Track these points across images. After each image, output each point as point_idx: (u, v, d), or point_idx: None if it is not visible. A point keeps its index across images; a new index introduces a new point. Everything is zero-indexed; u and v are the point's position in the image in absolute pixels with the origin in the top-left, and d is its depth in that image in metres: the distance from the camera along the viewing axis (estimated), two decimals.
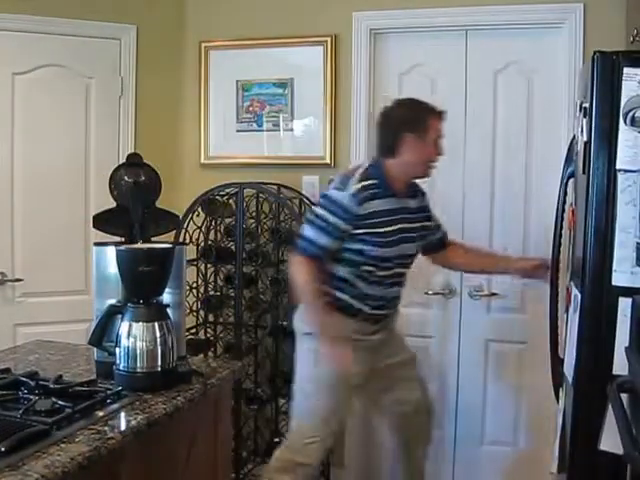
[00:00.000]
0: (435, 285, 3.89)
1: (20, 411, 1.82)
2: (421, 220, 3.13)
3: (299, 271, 2.92)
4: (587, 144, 2.09)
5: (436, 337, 3.93)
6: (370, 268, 2.96)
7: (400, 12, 3.86)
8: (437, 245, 3.29)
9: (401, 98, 3.12)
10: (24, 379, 2.08)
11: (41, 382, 2.06)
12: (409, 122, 2.97)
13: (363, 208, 2.88)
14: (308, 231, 2.92)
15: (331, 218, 2.88)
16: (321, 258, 2.92)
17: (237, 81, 4.13)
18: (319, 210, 2.93)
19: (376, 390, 3.26)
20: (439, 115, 3.01)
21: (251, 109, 4.12)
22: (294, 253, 2.96)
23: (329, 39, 3.96)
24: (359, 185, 2.89)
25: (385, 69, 3.97)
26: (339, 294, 3.00)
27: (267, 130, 4.11)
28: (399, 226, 2.98)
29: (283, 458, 3.06)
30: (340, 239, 2.90)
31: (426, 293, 3.88)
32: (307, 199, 3.98)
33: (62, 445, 1.73)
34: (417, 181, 3.14)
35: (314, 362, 3.00)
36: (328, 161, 4.01)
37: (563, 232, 2.65)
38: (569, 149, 2.58)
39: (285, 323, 3.85)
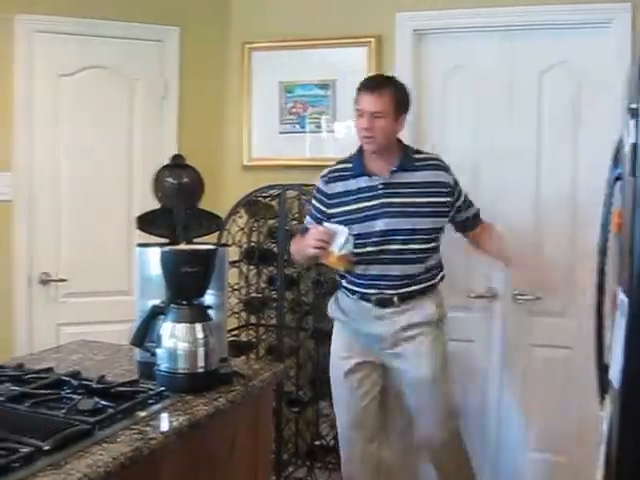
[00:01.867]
0: (478, 288, 3.83)
1: (63, 410, 1.83)
2: (429, 195, 3.10)
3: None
4: (635, 146, 2.05)
5: (477, 341, 3.88)
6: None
7: (444, 12, 3.82)
8: (462, 225, 3.29)
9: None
10: (67, 378, 2.09)
11: (84, 382, 2.07)
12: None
13: (329, 188, 3.15)
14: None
15: (313, 201, 3.23)
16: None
17: (280, 82, 4.13)
18: None
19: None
20: (362, 89, 3.08)
21: (294, 110, 4.11)
22: None
23: (372, 40, 3.93)
24: (329, 169, 3.21)
25: (429, 70, 3.93)
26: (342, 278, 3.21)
27: (310, 132, 4.11)
28: (373, 202, 3.07)
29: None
30: (320, 220, 3.14)
31: (468, 296, 3.82)
32: None
33: (104, 445, 1.74)
34: (434, 155, 3.23)
35: None
36: None
37: (610, 235, 2.60)
38: (616, 151, 2.52)
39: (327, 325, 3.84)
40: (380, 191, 3.07)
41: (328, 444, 3.93)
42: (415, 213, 3.06)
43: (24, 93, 3.86)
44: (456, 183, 3.20)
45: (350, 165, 3.16)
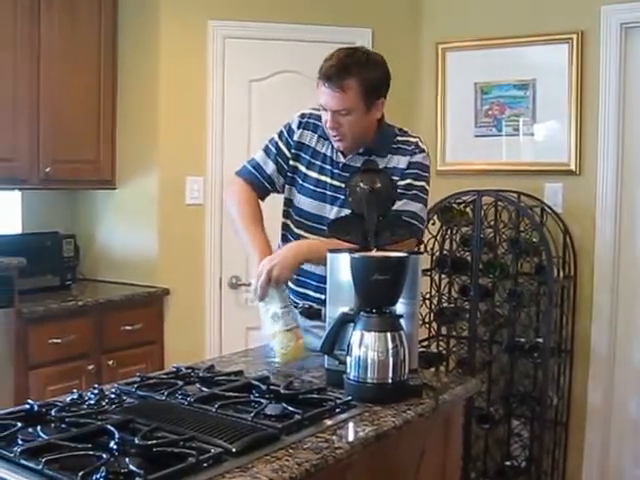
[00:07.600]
0: None
1: (251, 414, 1.84)
2: None
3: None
4: None
5: None
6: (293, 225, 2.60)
7: None
8: None
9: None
10: (256, 383, 2.11)
11: (272, 387, 2.08)
12: None
13: (301, 135, 2.60)
14: None
15: (276, 137, 2.64)
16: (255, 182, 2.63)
17: (475, 83, 4.04)
18: None
19: None
20: (321, 77, 2.47)
21: (490, 113, 4.00)
22: None
23: (575, 36, 3.75)
24: (311, 110, 2.61)
25: (637, 67, 3.69)
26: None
27: (506, 135, 3.97)
28: (331, 181, 2.57)
29: None
30: (277, 162, 2.61)
31: None
32: (549, 208, 3.80)
33: (290, 451, 1.72)
34: (414, 138, 2.60)
35: None
36: (573, 168, 3.79)
37: None
38: None
39: (523, 339, 3.69)
40: (339, 171, 2.58)
41: (520, 465, 3.80)
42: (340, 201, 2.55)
43: (217, 98, 4.01)
44: (413, 169, 2.54)
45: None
